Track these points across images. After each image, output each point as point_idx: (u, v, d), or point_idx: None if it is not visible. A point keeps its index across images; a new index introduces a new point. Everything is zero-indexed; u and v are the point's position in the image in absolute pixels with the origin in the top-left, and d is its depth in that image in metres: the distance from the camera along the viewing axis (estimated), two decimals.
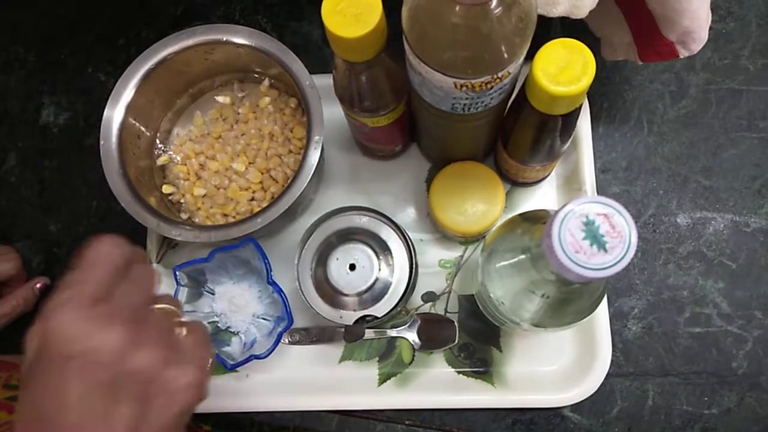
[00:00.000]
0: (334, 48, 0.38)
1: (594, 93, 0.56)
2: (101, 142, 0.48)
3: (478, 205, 0.50)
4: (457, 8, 0.31)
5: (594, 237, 0.28)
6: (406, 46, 0.37)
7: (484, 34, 0.33)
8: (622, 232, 0.28)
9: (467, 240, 0.55)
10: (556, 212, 0.28)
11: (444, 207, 0.51)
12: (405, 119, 0.49)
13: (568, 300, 0.36)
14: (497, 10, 0.32)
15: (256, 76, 0.56)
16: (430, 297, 0.55)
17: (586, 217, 0.28)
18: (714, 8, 0.59)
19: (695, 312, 0.53)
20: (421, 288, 0.54)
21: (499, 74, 0.36)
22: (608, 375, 0.51)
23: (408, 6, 0.35)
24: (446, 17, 0.32)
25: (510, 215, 0.54)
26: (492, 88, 0.37)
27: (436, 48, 0.35)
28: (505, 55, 0.34)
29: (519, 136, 0.45)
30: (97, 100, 0.50)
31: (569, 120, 0.41)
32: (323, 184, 0.56)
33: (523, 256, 0.35)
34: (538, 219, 0.38)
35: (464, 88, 0.36)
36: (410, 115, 0.50)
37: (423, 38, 0.35)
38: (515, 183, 0.55)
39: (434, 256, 0.55)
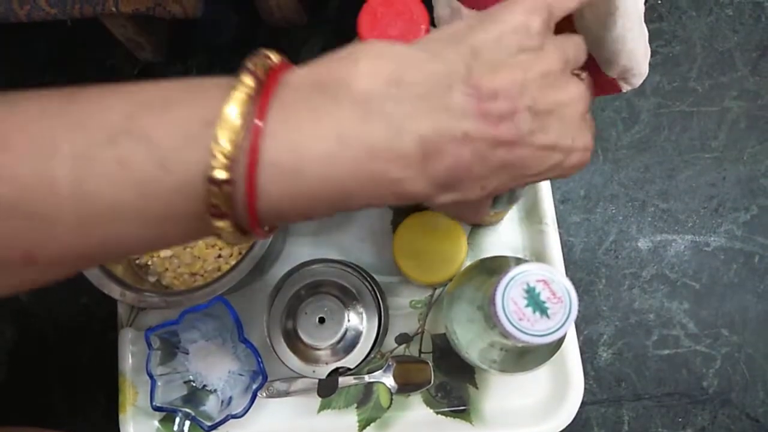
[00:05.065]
0: None
1: None
2: None
3: (442, 254, 0.51)
4: None
5: (536, 304, 0.28)
6: None
7: None
8: (562, 298, 0.28)
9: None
10: (500, 279, 0.29)
11: (409, 260, 0.51)
12: None
13: (525, 351, 0.37)
14: None
15: None
16: (403, 339, 0.55)
17: (527, 285, 0.29)
18: (659, 33, 0.60)
19: (663, 334, 0.54)
20: (395, 330, 0.55)
21: None
22: (583, 403, 0.52)
23: None
24: None
25: (475, 252, 0.55)
26: None
27: None
28: None
29: None
30: None
31: None
32: (291, 234, 0.57)
33: (478, 313, 0.36)
34: (495, 270, 0.39)
35: None
36: None
37: None
38: (477, 225, 0.55)
39: (405, 297, 0.56)
